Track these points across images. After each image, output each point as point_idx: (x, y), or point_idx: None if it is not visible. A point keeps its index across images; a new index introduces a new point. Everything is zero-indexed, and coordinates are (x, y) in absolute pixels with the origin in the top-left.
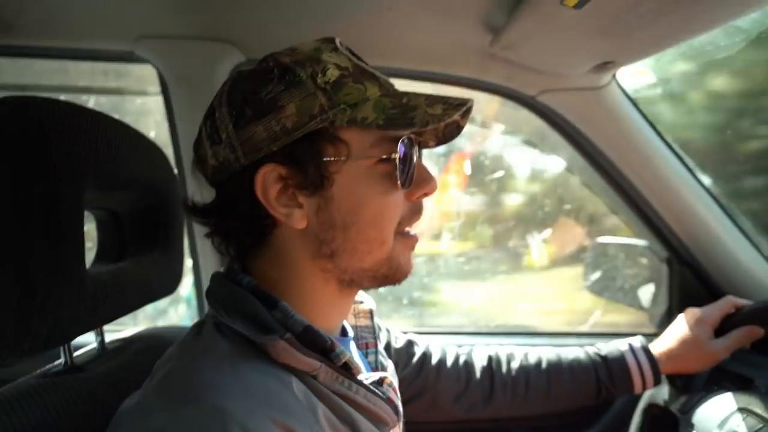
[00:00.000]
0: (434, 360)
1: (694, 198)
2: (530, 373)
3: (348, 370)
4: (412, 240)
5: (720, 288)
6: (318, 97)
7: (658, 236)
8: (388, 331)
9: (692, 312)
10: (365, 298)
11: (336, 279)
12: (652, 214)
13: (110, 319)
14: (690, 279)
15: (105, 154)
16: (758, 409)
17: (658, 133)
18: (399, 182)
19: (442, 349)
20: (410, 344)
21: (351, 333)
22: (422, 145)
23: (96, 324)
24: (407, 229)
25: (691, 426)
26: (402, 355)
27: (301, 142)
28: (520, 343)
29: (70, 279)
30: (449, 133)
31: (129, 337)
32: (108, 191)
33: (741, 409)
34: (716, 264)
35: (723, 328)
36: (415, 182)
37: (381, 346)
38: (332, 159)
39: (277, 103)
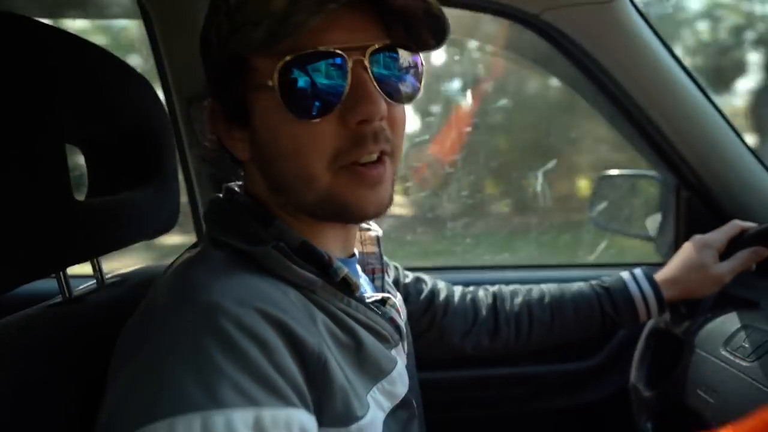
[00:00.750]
0: (441, 297)
1: (706, 120)
2: (533, 308)
3: (347, 287)
4: (362, 173)
5: (728, 213)
6: (222, 22)
7: (666, 163)
8: (396, 267)
9: (697, 238)
10: (372, 225)
11: (299, 212)
12: (661, 139)
13: (105, 251)
14: (698, 205)
15: (86, 80)
16: (763, 324)
17: (671, 52)
18: (287, 111)
19: (449, 287)
20: (418, 281)
21: (357, 255)
22: (412, 49)
23: (90, 254)
24: (354, 161)
25: (696, 347)
26: (410, 292)
27: (224, 74)
28: (524, 276)
29: (58, 208)
30: (435, 26)
31: (127, 273)
32: (92, 122)
33: (745, 326)
34: (726, 188)
35: (729, 251)
36: (347, 106)
37: (389, 278)
38: (246, 90)
39: (208, 36)
